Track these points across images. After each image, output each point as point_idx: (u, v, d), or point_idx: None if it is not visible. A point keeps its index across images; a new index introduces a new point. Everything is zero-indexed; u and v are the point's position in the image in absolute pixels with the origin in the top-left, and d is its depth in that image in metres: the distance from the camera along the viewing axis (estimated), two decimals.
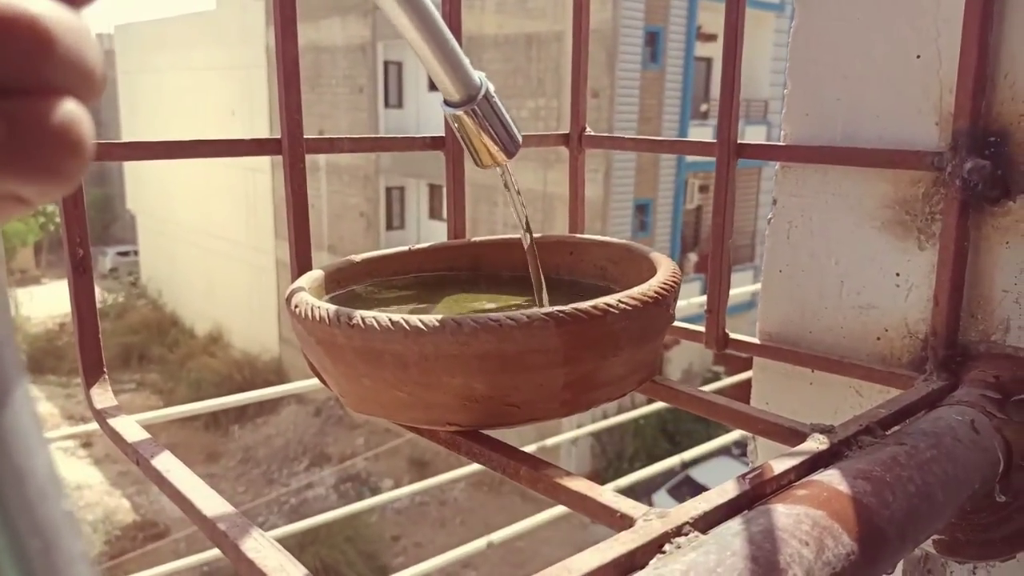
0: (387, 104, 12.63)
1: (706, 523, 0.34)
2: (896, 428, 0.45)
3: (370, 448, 10.28)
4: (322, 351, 0.45)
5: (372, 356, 0.42)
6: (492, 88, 0.49)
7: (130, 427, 0.49)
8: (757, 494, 0.37)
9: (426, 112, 12.19)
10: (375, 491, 8.98)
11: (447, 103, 0.49)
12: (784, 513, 0.33)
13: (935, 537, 0.50)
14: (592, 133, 0.75)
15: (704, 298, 0.67)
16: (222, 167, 13.25)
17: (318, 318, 0.43)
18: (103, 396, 0.52)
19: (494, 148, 0.49)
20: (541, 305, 0.54)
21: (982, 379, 0.50)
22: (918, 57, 0.55)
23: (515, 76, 10.37)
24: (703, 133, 10.77)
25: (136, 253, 18.47)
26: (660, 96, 10.35)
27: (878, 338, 0.59)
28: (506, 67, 10.44)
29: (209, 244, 15.06)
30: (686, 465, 7.03)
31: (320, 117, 12.86)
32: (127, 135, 16.52)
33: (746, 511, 0.35)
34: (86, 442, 10.83)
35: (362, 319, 0.42)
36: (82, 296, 0.51)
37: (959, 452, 0.42)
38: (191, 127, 14.17)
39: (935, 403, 0.49)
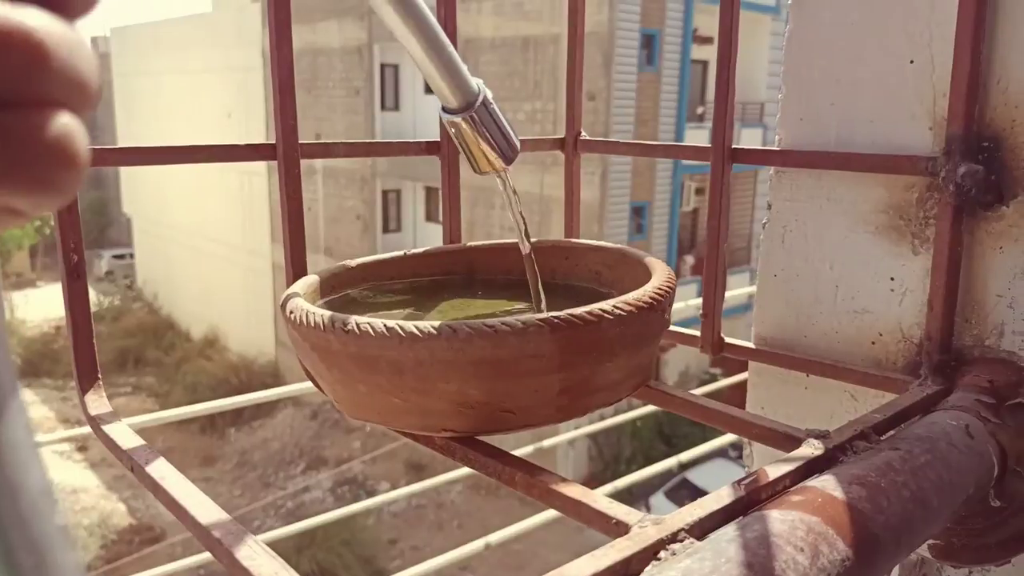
0: (383, 106, 12.64)
1: (701, 529, 0.34)
2: (891, 433, 0.45)
3: (367, 451, 10.27)
4: (317, 357, 0.45)
5: (367, 362, 0.42)
6: (490, 95, 0.49)
7: (125, 434, 0.49)
8: (752, 500, 0.37)
9: (422, 114, 12.20)
10: (372, 494, 8.97)
11: (445, 110, 0.49)
12: (779, 519, 0.33)
13: (930, 542, 0.50)
14: (588, 137, 0.75)
15: (701, 300, 0.67)
16: (218, 170, 13.25)
17: (313, 324, 0.43)
18: (98, 402, 0.52)
19: (492, 155, 0.50)
20: (540, 312, 0.54)
21: (976, 384, 0.50)
22: (912, 62, 0.55)
23: (511, 79, 10.38)
24: (699, 135, 10.80)
25: (132, 256, 18.44)
26: (656, 99, 10.37)
27: (873, 343, 0.59)
28: (502, 70, 10.45)
29: (205, 247, 15.05)
30: (683, 467, 7.03)
31: (316, 120, 12.85)
32: (123, 138, 16.52)
33: (741, 517, 0.35)
34: (81, 446, 10.80)
35: (357, 325, 0.42)
36: (76, 302, 0.51)
37: (954, 457, 0.42)
38: (187, 130, 14.17)
39: (930, 408, 0.49)
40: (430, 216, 12.67)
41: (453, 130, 0.49)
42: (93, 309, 0.53)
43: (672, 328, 0.66)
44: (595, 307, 0.42)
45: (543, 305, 0.54)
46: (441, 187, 0.67)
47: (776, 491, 0.38)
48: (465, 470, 0.45)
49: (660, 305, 0.46)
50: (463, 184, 0.68)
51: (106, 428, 0.50)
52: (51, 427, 11.07)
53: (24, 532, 0.16)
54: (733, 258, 10.80)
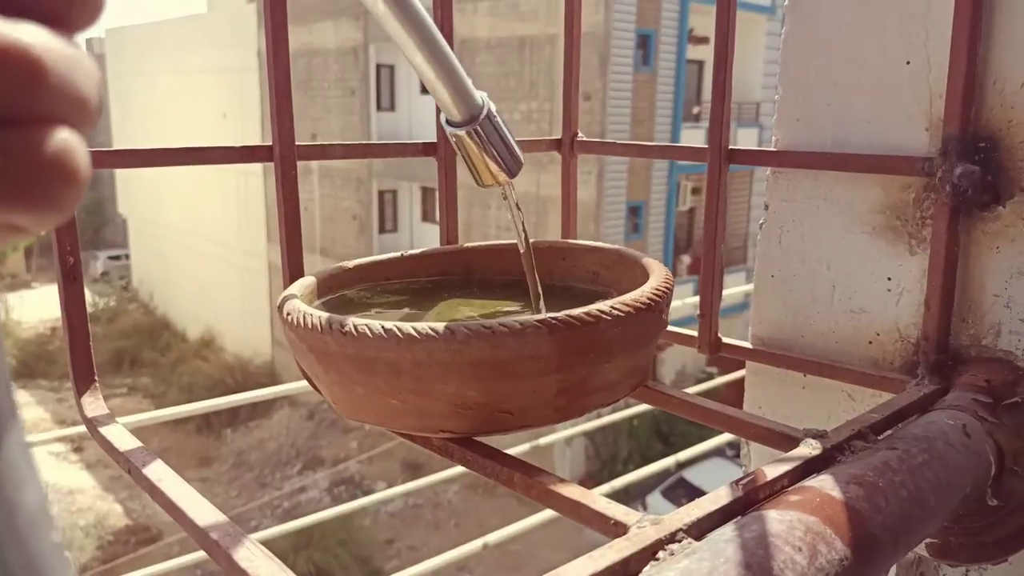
0: (379, 107, 12.63)
1: (699, 530, 0.34)
2: (888, 433, 0.45)
3: (363, 451, 10.26)
4: (314, 359, 0.45)
5: (365, 363, 0.42)
6: (494, 108, 0.49)
7: (122, 435, 0.49)
8: (750, 500, 0.37)
9: (418, 115, 12.20)
10: (369, 494, 8.96)
11: (449, 123, 0.49)
12: (777, 519, 0.33)
13: (928, 541, 0.50)
14: (584, 138, 0.75)
15: (697, 299, 0.68)
16: (214, 171, 13.21)
17: (310, 326, 0.43)
18: (94, 404, 0.52)
19: (495, 168, 0.49)
20: (538, 313, 0.54)
21: (973, 383, 0.50)
22: (908, 63, 0.55)
23: (508, 79, 10.38)
24: (695, 135, 10.81)
25: (128, 257, 18.40)
26: (652, 99, 10.38)
27: (870, 342, 0.59)
28: (499, 70, 10.46)
29: (201, 247, 15.02)
30: (680, 466, 7.04)
31: (312, 120, 12.84)
32: (118, 138, 16.47)
33: (739, 517, 0.35)
34: (78, 447, 10.78)
35: (354, 327, 0.41)
36: (73, 304, 0.51)
37: (951, 456, 0.42)
38: (183, 130, 14.14)
39: (927, 407, 0.49)
40: (426, 216, 12.67)
41: (456, 142, 0.49)
42: (89, 310, 0.53)
43: (669, 328, 0.66)
44: (593, 308, 0.42)
45: (541, 306, 0.54)
46: (438, 188, 0.67)
47: (774, 491, 0.38)
48: (462, 469, 0.45)
49: (658, 306, 0.46)
50: (460, 185, 0.68)
51: (103, 430, 0.49)
52: (47, 428, 11.02)
53: (21, 550, 0.16)
54: (729, 257, 10.82)
